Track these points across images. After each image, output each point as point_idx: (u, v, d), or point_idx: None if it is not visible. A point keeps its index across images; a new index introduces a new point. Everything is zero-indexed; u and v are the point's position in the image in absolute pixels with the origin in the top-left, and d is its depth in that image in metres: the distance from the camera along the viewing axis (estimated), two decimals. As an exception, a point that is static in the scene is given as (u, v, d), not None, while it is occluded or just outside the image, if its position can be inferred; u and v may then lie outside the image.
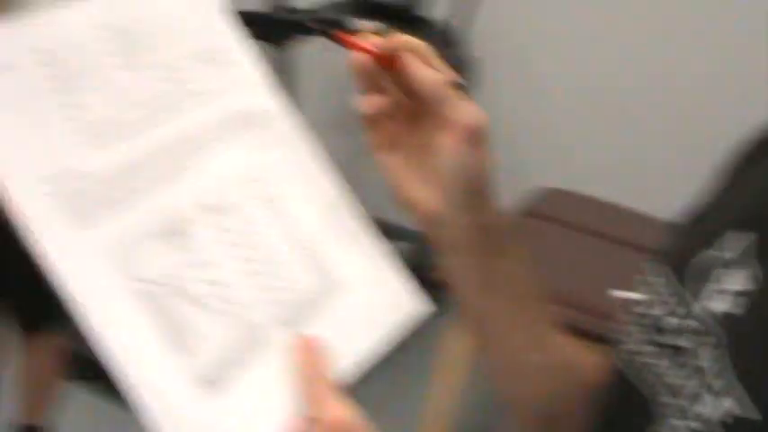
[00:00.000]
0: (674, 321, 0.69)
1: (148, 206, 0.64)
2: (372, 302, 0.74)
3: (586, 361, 0.85)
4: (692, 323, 0.67)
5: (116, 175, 0.63)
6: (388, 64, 0.72)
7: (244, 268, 0.67)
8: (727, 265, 0.66)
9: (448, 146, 0.71)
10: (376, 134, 0.76)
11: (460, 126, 0.70)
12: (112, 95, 0.66)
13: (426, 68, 0.71)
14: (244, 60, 0.76)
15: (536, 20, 3.09)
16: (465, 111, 0.70)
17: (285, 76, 3.11)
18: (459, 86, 0.71)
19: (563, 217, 2.52)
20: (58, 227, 0.59)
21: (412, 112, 0.75)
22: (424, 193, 0.75)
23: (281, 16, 2.85)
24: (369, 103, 0.74)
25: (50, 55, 0.63)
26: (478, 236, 0.75)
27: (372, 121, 0.75)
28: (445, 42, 2.82)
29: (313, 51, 2.86)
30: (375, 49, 0.72)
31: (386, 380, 2.78)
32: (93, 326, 0.57)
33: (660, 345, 0.70)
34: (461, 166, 0.71)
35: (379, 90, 0.74)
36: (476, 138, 0.70)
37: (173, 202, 0.66)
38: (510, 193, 2.99)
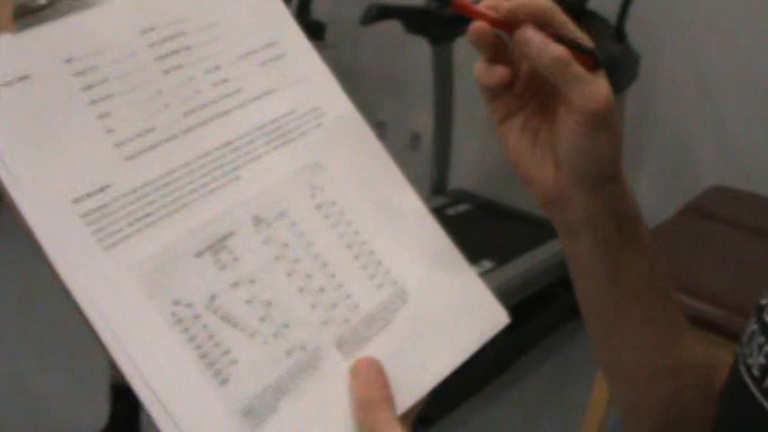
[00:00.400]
0: None
1: (188, 221, 0.59)
2: (444, 315, 0.67)
3: (722, 366, 0.78)
4: None
5: (154, 190, 0.58)
6: (509, 30, 0.66)
7: (295, 284, 0.61)
8: None
9: (569, 127, 0.65)
10: (497, 106, 0.70)
11: (583, 109, 0.63)
12: (153, 103, 0.61)
13: (547, 42, 0.63)
14: (298, 58, 0.70)
15: (704, 14, 3.00)
16: (588, 93, 0.63)
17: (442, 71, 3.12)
18: (589, 54, 0.65)
19: (728, 215, 2.44)
20: (87, 250, 0.55)
21: (536, 85, 0.69)
22: (543, 171, 0.69)
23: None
24: (488, 73, 0.68)
25: (84, 63, 0.59)
26: (605, 223, 0.69)
27: (492, 92, 0.69)
28: (614, 36, 2.77)
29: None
30: (493, 14, 0.65)
31: (544, 385, 2.79)
32: (124, 354, 0.53)
33: None
34: (582, 149, 0.65)
35: (501, 59, 0.68)
36: (600, 122, 0.64)
37: (215, 216, 0.60)
38: (676, 191, 2.97)
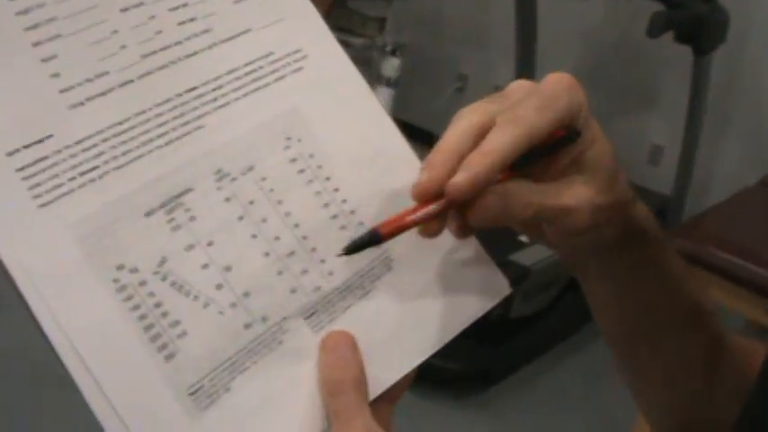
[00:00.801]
0: None
1: (140, 176, 0.52)
2: (433, 285, 0.59)
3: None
4: None
5: (102, 141, 0.52)
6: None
7: (260, 247, 0.54)
8: None
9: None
10: None
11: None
12: (107, 45, 0.54)
13: (503, 195, 0.54)
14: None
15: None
16: (569, 224, 0.57)
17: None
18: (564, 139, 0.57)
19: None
20: (20, 207, 0.49)
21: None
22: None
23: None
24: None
25: (29, 0, 0.53)
26: (621, 222, 0.62)
27: None
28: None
29: None
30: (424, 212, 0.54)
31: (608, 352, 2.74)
32: (53, 323, 0.47)
33: None
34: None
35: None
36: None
37: (171, 170, 0.53)
38: (760, 160, 2.88)
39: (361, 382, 0.52)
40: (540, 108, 0.54)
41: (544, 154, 0.57)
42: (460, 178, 0.52)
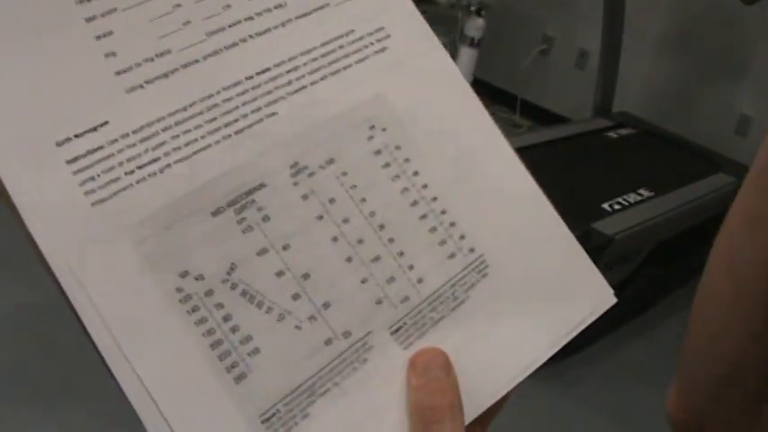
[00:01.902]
0: None
1: (206, 170, 0.46)
2: (534, 294, 0.53)
3: None
4: None
5: (163, 130, 0.46)
6: None
7: (342, 252, 0.48)
8: None
9: None
10: None
11: None
12: (169, 21, 0.48)
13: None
14: None
15: None
16: None
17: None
18: None
19: None
20: (70, 205, 0.43)
21: None
22: None
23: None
24: None
25: None
26: None
27: None
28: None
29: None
30: None
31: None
32: (109, 339, 0.42)
33: None
34: None
35: None
36: None
37: (241, 163, 0.47)
38: None
39: (457, 407, 0.46)
40: None
41: None
42: None
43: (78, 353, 2.19)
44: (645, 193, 2.74)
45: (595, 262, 0.55)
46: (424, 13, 0.56)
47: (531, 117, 4.15)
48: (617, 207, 2.65)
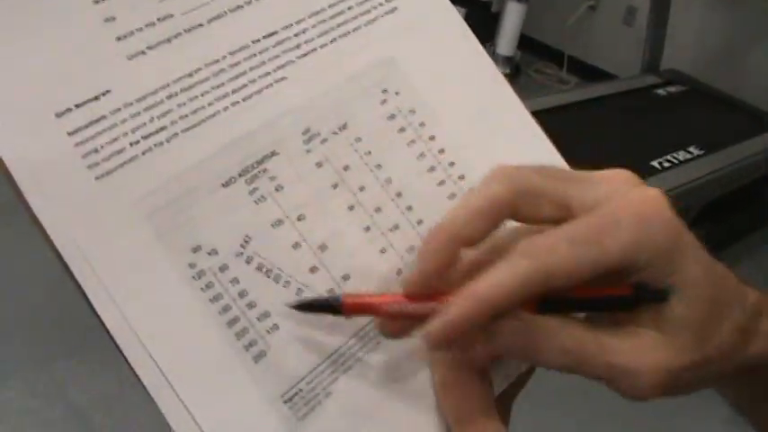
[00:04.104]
0: None
1: (214, 138, 0.44)
2: None
3: None
4: None
5: (168, 97, 0.44)
6: None
7: (360, 221, 0.46)
8: None
9: None
10: None
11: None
12: None
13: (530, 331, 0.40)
14: None
15: None
16: (628, 386, 0.41)
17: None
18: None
19: None
20: (74, 180, 0.41)
21: None
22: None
23: None
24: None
25: None
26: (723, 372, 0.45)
27: None
28: None
29: None
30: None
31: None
32: (120, 319, 0.40)
33: None
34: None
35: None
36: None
37: (251, 130, 0.45)
38: None
39: (492, 408, 0.43)
40: (579, 241, 0.39)
41: (595, 309, 0.43)
42: (433, 327, 0.39)
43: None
44: (695, 151, 2.69)
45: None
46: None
47: (578, 74, 4.10)
48: (666, 165, 2.61)
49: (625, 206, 0.40)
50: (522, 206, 0.41)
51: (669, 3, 3.26)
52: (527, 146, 0.52)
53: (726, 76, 3.41)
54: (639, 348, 0.41)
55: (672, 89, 3.23)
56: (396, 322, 0.43)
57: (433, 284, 0.41)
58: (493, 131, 0.52)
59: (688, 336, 0.41)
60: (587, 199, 0.41)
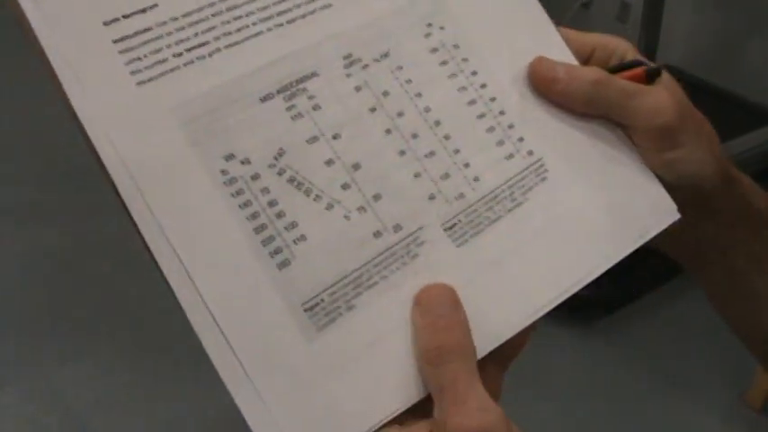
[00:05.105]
0: None
1: (256, 56, 0.45)
2: (592, 203, 0.50)
3: None
4: None
5: (213, 15, 0.45)
6: None
7: (395, 144, 0.46)
8: None
9: (644, 154, 0.53)
10: None
11: (646, 128, 0.52)
12: None
13: (572, 69, 0.52)
14: None
15: None
16: (645, 108, 0.52)
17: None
18: (638, 65, 0.54)
19: None
20: (116, 84, 0.42)
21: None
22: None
23: None
24: None
25: None
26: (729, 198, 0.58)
27: None
28: None
29: None
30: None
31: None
32: (151, 221, 0.40)
33: None
34: (664, 173, 0.53)
35: None
36: (670, 136, 0.52)
37: (293, 51, 0.46)
38: None
39: (467, 345, 0.42)
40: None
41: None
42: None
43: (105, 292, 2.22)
44: (690, 145, 2.71)
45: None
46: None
47: (572, 71, 4.11)
48: (662, 159, 2.61)
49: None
50: None
51: (662, -2, 3.26)
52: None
53: (721, 71, 3.41)
54: (650, 87, 0.52)
55: (667, 84, 3.24)
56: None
57: None
58: None
59: (678, 105, 0.53)
60: None
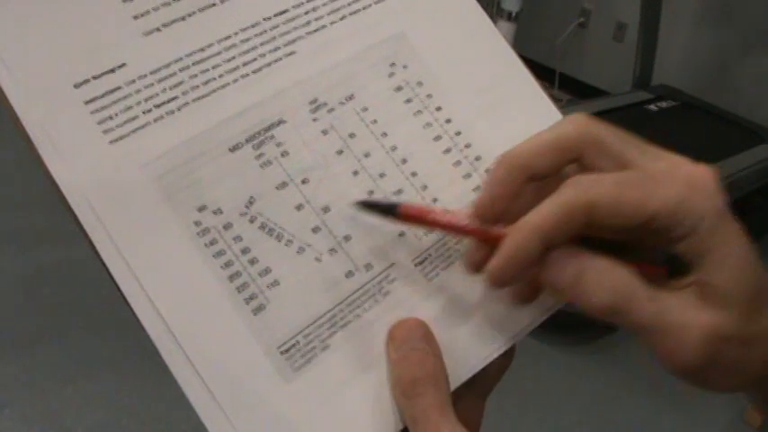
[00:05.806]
0: None
1: (224, 108, 0.46)
2: None
3: None
4: None
5: (180, 70, 0.46)
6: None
7: (363, 185, 0.48)
8: None
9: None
10: None
11: (669, 367, 0.42)
12: None
13: (578, 276, 0.41)
14: None
15: None
16: (667, 349, 0.41)
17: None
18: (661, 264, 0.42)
19: None
20: (88, 144, 0.43)
21: None
22: None
23: None
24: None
25: None
26: None
27: None
28: None
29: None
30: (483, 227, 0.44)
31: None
32: (126, 271, 0.42)
33: None
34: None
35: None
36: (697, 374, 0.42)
37: (259, 100, 0.47)
38: None
39: (440, 376, 0.43)
40: (625, 183, 0.40)
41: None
42: (492, 265, 0.41)
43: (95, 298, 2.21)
44: (686, 165, 2.71)
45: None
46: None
47: (570, 91, 4.11)
48: (659, 179, 2.62)
49: (676, 171, 0.41)
50: (587, 153, 0.42)
51: (659, 19, 3.27)
52: (535, 117, 0.53)
53: (716, 90, 3.43)
54: (688, 305, 0.40)
55: (663, 104, 3.24)
56: (472, 253, 0.44)
57: (498, 210, 0.43)
58: (501, 102, 0.53)
59: (734, 310, 0.40)
60: (647, 166, 0.42)
